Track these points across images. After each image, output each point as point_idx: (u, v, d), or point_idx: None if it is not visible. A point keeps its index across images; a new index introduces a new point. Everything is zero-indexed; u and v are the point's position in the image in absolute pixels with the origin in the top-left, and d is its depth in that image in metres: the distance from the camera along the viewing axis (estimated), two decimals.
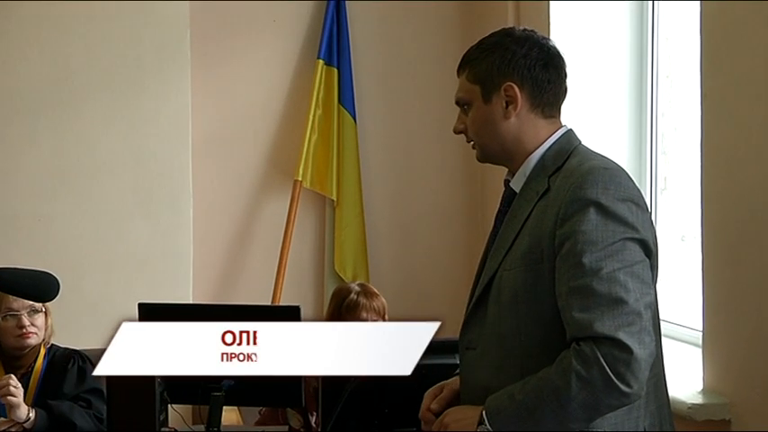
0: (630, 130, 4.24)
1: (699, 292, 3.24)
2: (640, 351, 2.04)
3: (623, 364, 2.03)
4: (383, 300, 3.64)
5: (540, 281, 2.16)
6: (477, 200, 5.01)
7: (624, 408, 2.11)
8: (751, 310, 2.96)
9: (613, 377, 2.03)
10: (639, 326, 2.05)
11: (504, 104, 2.27)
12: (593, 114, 4.17)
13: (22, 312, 3.51)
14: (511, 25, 4.12)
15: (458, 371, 2.43)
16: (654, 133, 4.17)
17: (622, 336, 2.04)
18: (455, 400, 2.35)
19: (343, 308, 3.60)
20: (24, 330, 3.51)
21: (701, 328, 3.24)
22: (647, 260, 2.14)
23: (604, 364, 2.03)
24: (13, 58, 4.50)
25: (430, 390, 2.42)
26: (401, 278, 4.99)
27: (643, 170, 4.17)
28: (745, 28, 2.99)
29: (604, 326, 2.04)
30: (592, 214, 2.10)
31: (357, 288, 3.67)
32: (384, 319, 3.60)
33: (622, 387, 2.04)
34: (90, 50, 4.55)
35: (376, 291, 3.70)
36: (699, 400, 3.10)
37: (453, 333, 2.75)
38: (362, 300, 3.59)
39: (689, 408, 3.06)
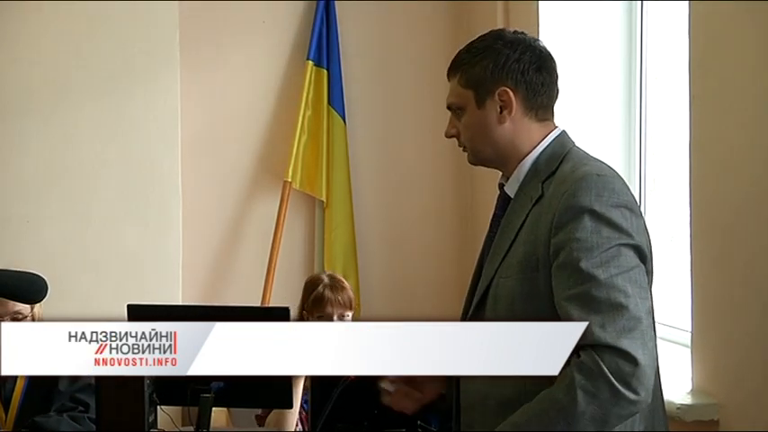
0: (619, 130, 4.25)
1: (687, 293, 3.24)
2: (644, 358, 2.02)
3: (629, 374, 2.01)
4: (350, 292, 3.74)
5: (535, 289, 2.15)
6: (467, 201, 5.01)
7: None
8: (740, 310, 2.97)
9: (620, 387, 2.01)
10: (641, 331, 2.04)
11: (499, 109, 2.26)
12: (582, 115, 4.17)
13: (5, 318, 3.50)
14: (500, 26, 4.13)
15: None
16: (643, 134, 4.17)
17: (625, 344, 2.02)
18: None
19: (310, 300, 3.70)
20: None
21: (690, 329, 3.24)
22: (643, 266, 2.13)
23: (609, 375, 2.01)
24: (0, 60, 4.49)
25: None
26: (391, 279, 5.00)
27: (632, 171, 4.17)
28: (734, 29, 3.00)
29: (606, 333, 2.02)
30: (586, 221, 2.09)
31: (326, 280, 3.75)
32: (351, 310, 3.71)
33: (630, 396, 2.02)
34: (79, 52, 4.54)
35: (344, 283, 3.79)
36: (687, 400, 3.10)
37: None
38: (329, 294, 3.68)
39: (678, 408, 3.06)
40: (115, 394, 3.06)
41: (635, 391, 2.02)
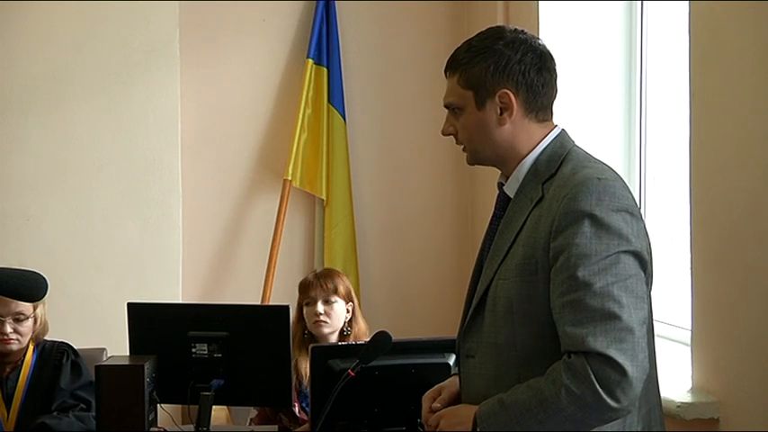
0: (619, 129, 4.25)
1: (687, 291, 3.25)
2: (632, 369, 2.03)
3: (615, 382, 2.03)
4: (342, 280, 3.73)
5: (534, 292, 2.15)
6: (466, 199, 5.01)
7: None
8: (739, 308, 2.97)
9: (603, 394, 2.03)
10: (632, 342, 2.04)
11: (499, 111, 2.24)
12: (583, 115, 4.17)
13: (6, 318, 3.50)
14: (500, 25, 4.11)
15: (454, 371, 2.42)
16: (643, 133, 4.18)
17: (614, 353, 2.03)
18: (455, 401, 2.35)
19: (299, 289, 3.75)
20: (5, 337, 3.50)
21: (690, 327, 3.24)
22: (642, 273, 2.13)
23: (595, 381, 2.03)
24: (1, 57, 4.49)
25: (428, 393, 2.42)
26: (390, 277, 5.00)
27: (632, 169, 4.18)
28: (734, 28, 3.00)
29: (597, 341, 2.04)
30: (586, 227, 2.09)
31: (317, 271, 3.84)
32: (345, 299, 3.69)
33: (612, 403, 2.04)
34: (79, 50, 4.54)
35: (335, 272, 3.83)
36: (687, 398, 3.11)
37: (442, 332, 2.76)
38: (312, 279, 3.73)
39: (678, 406, 3.06)
40: (115, 392, 3.07)
41: (617, 400, 2.04)
